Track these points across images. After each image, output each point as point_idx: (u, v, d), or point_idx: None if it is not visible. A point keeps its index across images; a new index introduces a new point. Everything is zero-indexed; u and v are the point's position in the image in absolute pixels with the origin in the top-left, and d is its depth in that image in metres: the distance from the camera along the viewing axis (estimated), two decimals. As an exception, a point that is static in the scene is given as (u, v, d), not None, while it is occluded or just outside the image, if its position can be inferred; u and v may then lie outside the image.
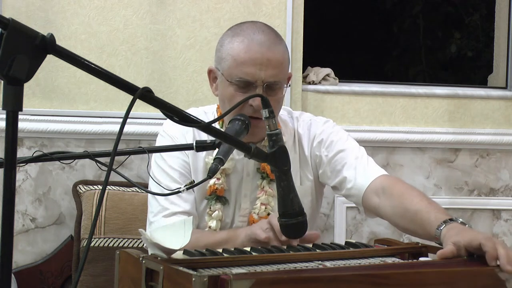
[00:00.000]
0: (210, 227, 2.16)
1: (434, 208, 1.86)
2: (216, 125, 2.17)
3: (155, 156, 2.20)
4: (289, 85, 2.19)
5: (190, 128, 2.15)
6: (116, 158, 1.38)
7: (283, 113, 2.26)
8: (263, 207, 2.16)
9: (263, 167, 2.17)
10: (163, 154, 2.17)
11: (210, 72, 2.18)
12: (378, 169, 2.14)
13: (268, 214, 2.15)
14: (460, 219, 1.76)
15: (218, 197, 2.16)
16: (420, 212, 1.87)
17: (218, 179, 2.15)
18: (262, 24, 2.16)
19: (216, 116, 2.22)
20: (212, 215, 2.16)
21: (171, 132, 2.20)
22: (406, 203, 1.94)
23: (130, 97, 1.34)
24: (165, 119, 1.67)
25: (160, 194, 1.76)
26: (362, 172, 2.12)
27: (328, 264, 1.53)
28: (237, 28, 2.13)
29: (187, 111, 1.47)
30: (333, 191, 2.31)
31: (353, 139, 2.24)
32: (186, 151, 2.15)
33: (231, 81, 2.07)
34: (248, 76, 2.05)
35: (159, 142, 2.22)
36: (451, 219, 1.75)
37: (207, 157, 2.15)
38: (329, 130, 2.23)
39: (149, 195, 2.19)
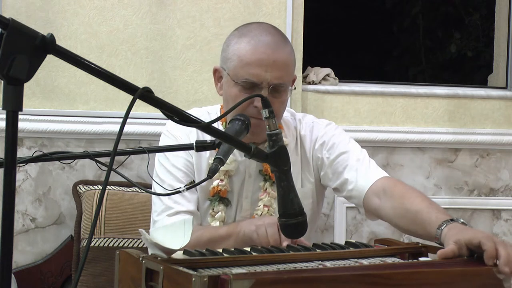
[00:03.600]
0: (212, 228, 2.16)
1: (435, 208, 1.86)
2: (219, 125, 2.17)
3: (158, 155, 2.20)
4: (294, 88, 2.19)
5: (194, 128, 2.14)
6: (116, 158, 1.38)
7: (286, 114, 2.25)
8: (266, 208, 2.16)
9: (265, 169, 2.17)
10: (167, 153, 2.17)
11: (215, 71, 2.18)
12: (380, 171, 2.14)
13: (271, 216, 2.15)
14: (461, 220, 1.76)
15: (221, 198, 2.16)
16: (421, 213, 1.86)
17: (221, 180, 2.15)
18: (269, 25, 2.15)
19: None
20: (215, 216, 2.16)
21: (175, 132, 2.20)
22: (407, 204, 1.94)
23: (130, 97, 1.34)
24: (166, 119, 1.67)
25: (159, 194, 1.76)
26: (363, 174, 2.12)
27: (328, 264, 1.53)
28: (244, 28, 2.12)
29: (190, 111, 1.46)
30: (335, 193, 2.30)
31: (355, 142, 2.24)
32: (190, 151, 2.15)
33: (236, 81, 2.06)
34: (254, 77, 2.04)
35: (163, 142, 2.22)
36: (452, 220, 1.75)
37: (211, 158, 2.14)
38: (331, 133, 2.23)
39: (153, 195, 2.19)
